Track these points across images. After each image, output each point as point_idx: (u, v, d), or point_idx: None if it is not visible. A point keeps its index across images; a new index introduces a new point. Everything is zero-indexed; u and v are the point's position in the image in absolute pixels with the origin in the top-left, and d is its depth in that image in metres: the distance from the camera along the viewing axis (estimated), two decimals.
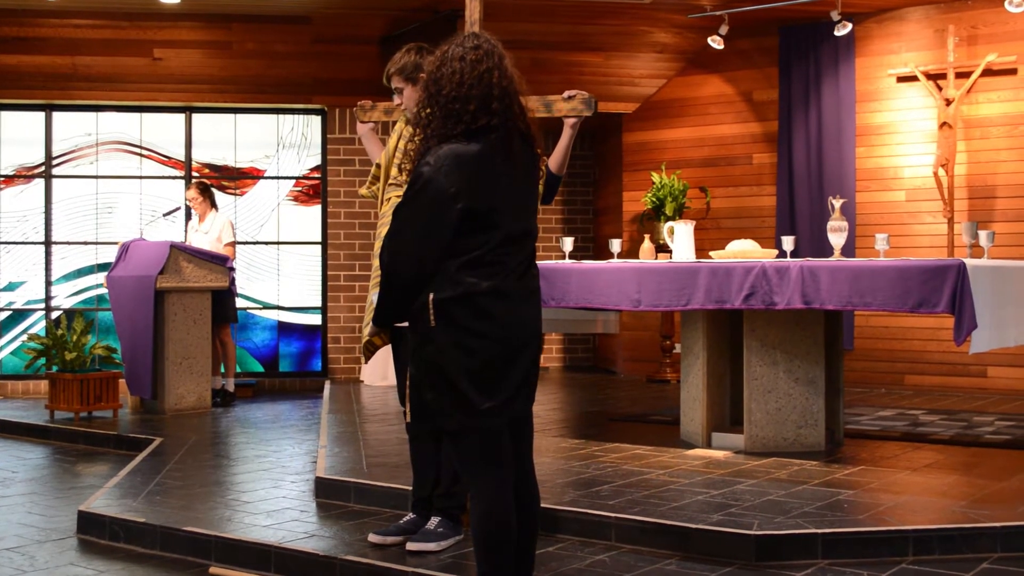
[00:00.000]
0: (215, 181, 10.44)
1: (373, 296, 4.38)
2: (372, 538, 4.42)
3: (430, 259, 3.16)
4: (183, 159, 10.59)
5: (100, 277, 10.22)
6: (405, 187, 4.37)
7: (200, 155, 10.63)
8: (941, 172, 8.89)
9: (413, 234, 3.16)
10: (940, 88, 9.01)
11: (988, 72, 8.89)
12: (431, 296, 3.17)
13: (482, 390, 3.17)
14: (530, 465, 3.41)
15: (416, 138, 3.29)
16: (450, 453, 4.25)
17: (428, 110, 3.25)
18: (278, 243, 10.72)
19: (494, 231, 3.18)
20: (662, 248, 9.35)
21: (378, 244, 4.45)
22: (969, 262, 5.07)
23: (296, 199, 10.78)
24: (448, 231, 3.14)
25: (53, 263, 10.45)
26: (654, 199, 10.01)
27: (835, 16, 9.03)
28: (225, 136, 10.67)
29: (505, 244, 3.21)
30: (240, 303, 9.89)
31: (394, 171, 4.50)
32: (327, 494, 5.30)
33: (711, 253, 6.57)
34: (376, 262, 4.42)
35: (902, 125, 9.32)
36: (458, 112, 3.19)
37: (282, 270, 10.73)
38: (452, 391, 3.17)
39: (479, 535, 3.22)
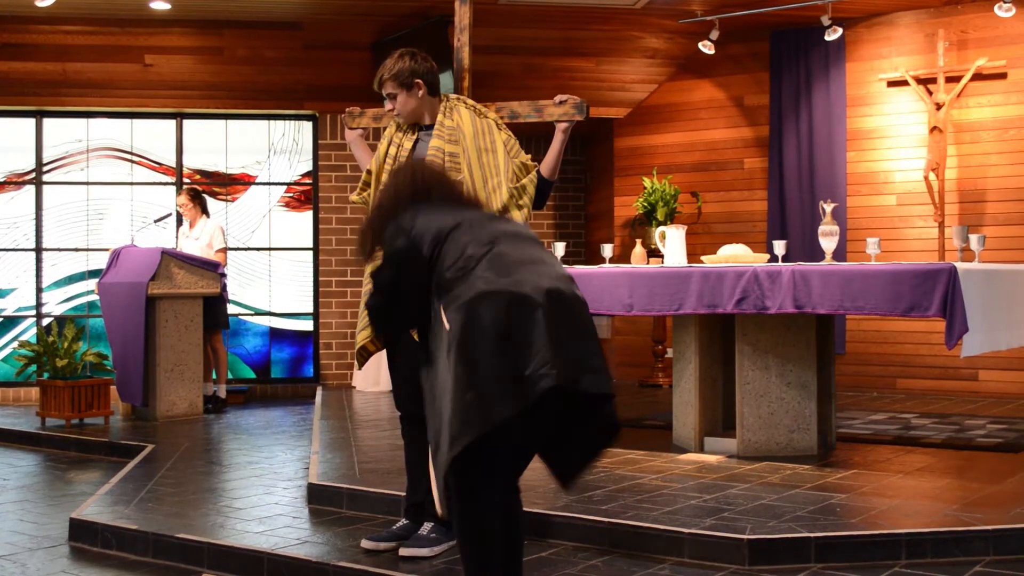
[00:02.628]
0: (206, 187, 10.42)
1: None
2: (365, 544, 4.41)
3: (415, 304, 3.28)
4: (174, 165, 10.57)
5: (91, 284, 10.19)
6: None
7: (191, 161, 10.62)
8: (932, 176, 8.92)
9: (395, 294, 3.33)
10: (930, 92, 9.04)
11: (978, 76, 8.92)
12: (440, 306, 3.15)
13: (506, 384, 2.99)
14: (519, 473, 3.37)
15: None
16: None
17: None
18: (269, 249, 10.71)
19: (468, 238, 3.23)
20: (654, 253, 9.35)
21: None
22: (960, 266, 5.09)
23: (287, 205, 10.77)
24: (424, 268, 3.24)
25: (44, 270, 10.42)
26: (646, 204, 10.03)
27: (825, 21, 9.05)
28: (216, 142, 10.66)
29: (487, 246, 3.19)
30: (232, 309, 9.87)
31: (384, 177, 4.49)
32: (320, 500, 5.29)
33: (703, 258, 6.58)
34: (370, 268, 4.42)
35: (893, 129, 9.34)
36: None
37: (274, 276, 10.72)
38: (479, 384, 2.99)
39: (462, 542, 3.20)
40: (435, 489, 3.17)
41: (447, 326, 3.10)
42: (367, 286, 4.40)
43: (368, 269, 4.38)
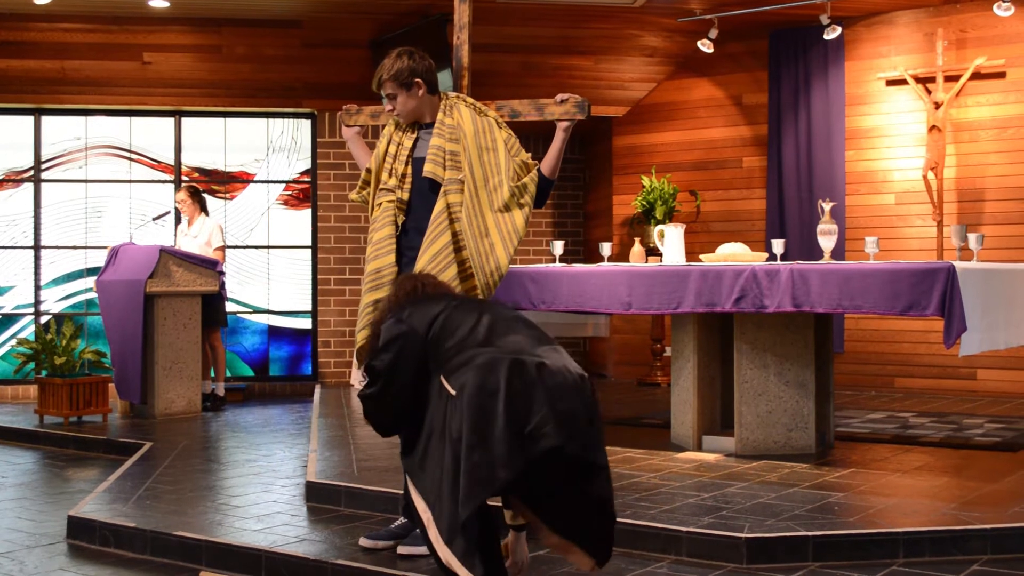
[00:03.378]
0: (205, 185, 10.42)
1: (367, 300, 4.38)
2: (363, 542, 4.41)
3: (410, 392, 3.35)
4: (173, 163, 10.57)
5: (89, 281, 10.19)
6: (398, 190, 4.40)
7: (190, 159, 10.62)
8: (930, 175, 8.92)
9: (391, 379, 3.39)
10: (929, 91, 9.04)
11: (977, 75, 8.93)
12: (440, 377, 3.24)
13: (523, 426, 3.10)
14: None
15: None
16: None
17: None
18: (268, 247, 10.71)
19: (460, 316, 3.36)
20: (652, 251, 9.35)
21: (370, 249, 4.45)
22: (959, 265, 5.09)
23: (286, 203, 10.77)
24: (420, 348, 3.34)
25: (42, 267, 10.42)
26: (644, 202, 10.03)
27: (824, 20, 9.05)
28: (215, 140, 10.65)
29: (479, 318, 3.35)
30: (230, 307, 9.86)
31: (384, 175, 4.49)
32: (318, 498, 5.29)
33: (701, 256, 6.58)
34: (370, 267, 4.42)
35: (891, 128, 9.35)
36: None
37: (272, 274, 10.72)
38: (487, 445, 3.08)
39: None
40: (444, 553, 3.19)
41: (452, 392, 3.18)
42: (367, 286, 4.41)
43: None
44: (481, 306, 3.47)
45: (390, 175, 4.45)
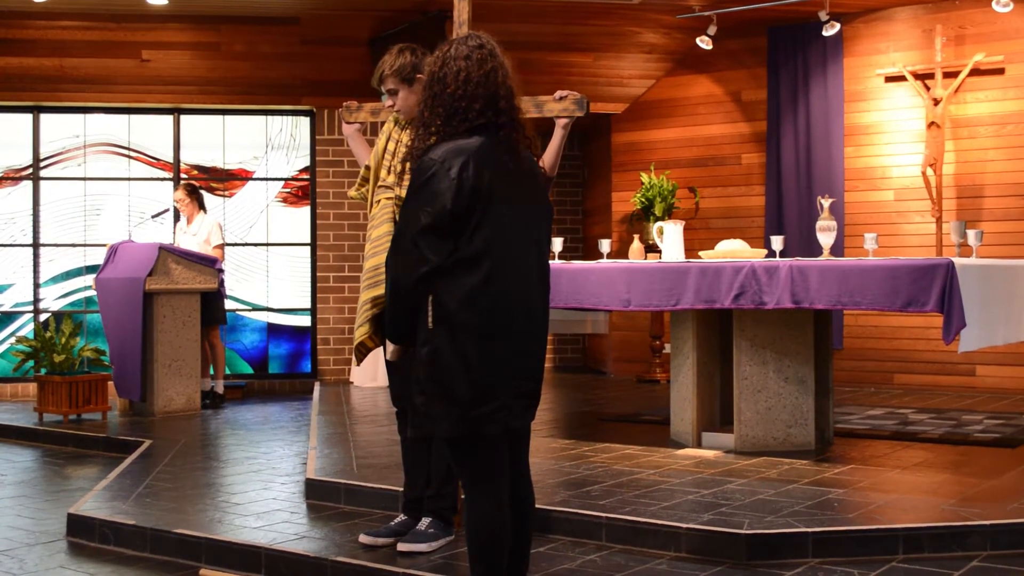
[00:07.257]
0: (204, 183, 10.42)
1: (365, 297, 4.37)
2: (363, 539, 4.41)
3: (436, 255, 3.08)
4: (171, 161, 10.56)
5: (89, 279, 10.19)
6: (397, 187, 4.38)
7: (188, 157, 10.61)
8: (929, 172, 8.92)
9: (418, 230, 3.09)
10: (928, 88, 9.04)
11: (976, 72, 8.92)
12: (430, 297, 3.13)
13: (476, 395, 3.12)
14: (525, 468, 3.39)
15: (417, 136, 3.26)
16: (444, 456, 4.26)
17: (431, 109, 3.24)
18: (267, 244, 10.70)
19: (496, 227, 3.12)
20: (652, 248, 9.35)
21: (368, 246, 4.45)
22: (958, 261, 5.09)
23: (285, 200, 10.76)
24: (450, 223, 3.08)
25: (41, 265, 10.41)
26: (643, 199, 10.02)
27: (823, 16, 9.04)
28: (213, 138, 10.65)
29: (508, 242, 3.16)
30: (229, 305, 9.85)
31: (383, 173, 4.48)
32: (317, 495, 5.29)
33: (700, 253, 6.58)
34: (368, 264, 4.42)
35: (890, 125, 9.34)
36: (463, 110, 3.18)
37: (271, 272, 10.71)
38: (445, 395, 3.12)
39: (472, 540, 3.21)
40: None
41: (430, 324, 3.13)
42: (365, 283, 4.40)
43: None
44: (524, 221, 3.40)
45: (389, 172, 4.44)
